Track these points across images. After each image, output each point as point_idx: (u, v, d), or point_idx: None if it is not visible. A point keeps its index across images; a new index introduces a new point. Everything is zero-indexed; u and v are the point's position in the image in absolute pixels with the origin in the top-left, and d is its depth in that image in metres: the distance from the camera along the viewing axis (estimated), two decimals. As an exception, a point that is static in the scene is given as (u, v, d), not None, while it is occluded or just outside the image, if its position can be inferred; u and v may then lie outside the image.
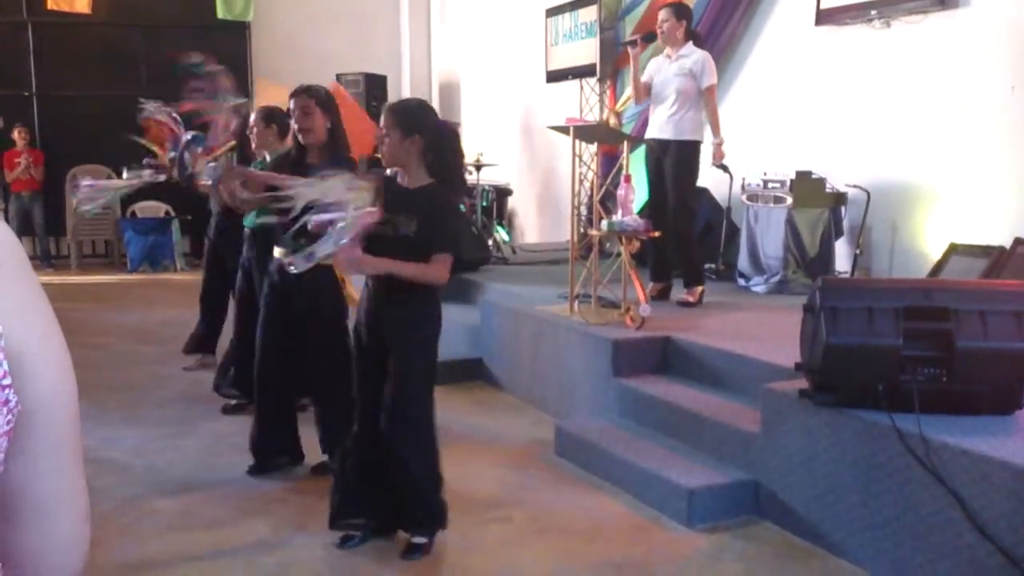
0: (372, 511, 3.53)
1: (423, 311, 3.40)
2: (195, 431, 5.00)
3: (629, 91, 8.21)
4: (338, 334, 4.08)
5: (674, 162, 5.70)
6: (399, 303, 3.35)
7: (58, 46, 11.94)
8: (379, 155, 3.47)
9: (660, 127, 5.78)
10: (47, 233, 11.68)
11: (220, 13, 11.81)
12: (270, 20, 12.36)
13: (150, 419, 5.20)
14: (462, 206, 3.47)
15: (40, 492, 0.87)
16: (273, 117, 5.06)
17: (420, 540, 3.48)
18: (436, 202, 3.31)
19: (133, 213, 11.81)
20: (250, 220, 5.00)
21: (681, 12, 5.76)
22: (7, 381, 0.80)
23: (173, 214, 11.76)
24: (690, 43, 5.68)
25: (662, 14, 5.77)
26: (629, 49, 5.85)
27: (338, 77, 11.65)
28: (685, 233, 5.75)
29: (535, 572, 3.38)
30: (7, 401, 0.80)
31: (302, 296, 4.09)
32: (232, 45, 12.34)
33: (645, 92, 5.89)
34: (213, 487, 4.19)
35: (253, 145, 5.12)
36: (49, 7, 11.11)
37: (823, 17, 6.52)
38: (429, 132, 3.33)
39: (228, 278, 6.07)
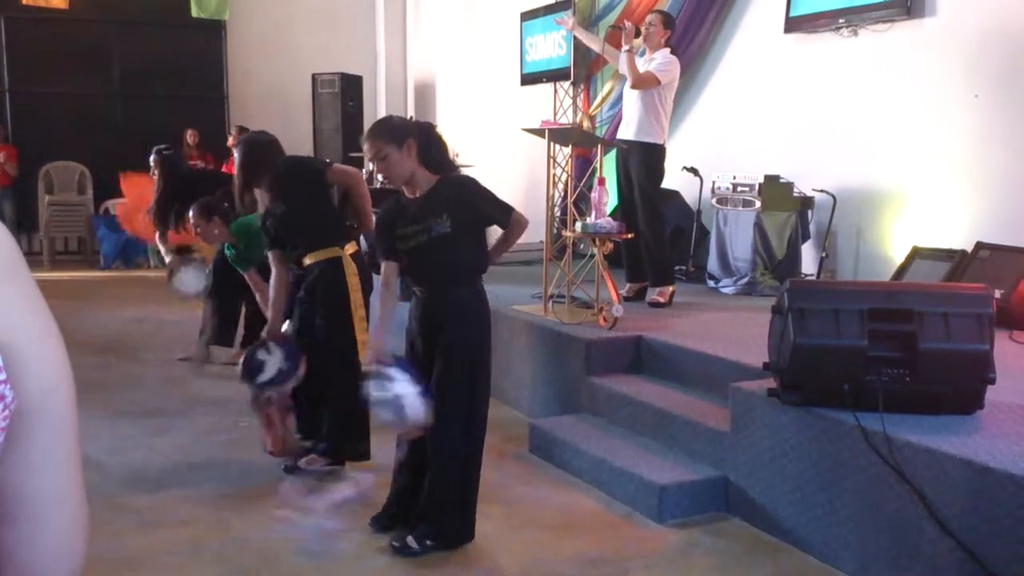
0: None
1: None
2: (170, 428, 5.02)
3: (603, 94, 8.34)
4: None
5: (638, 165, 5.80)
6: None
7: (32, 42, 11.85)
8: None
9: (624, 127, 5.90)
10: (18, 229, 11.59)
11: (194, 12, 11.76)
12: (246, 19, 12.34)
13: (125, 417, 5.21)
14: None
15: (31, 491, 0.85)
16: (213, 210, 5.30)
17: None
18: (457, 189, 3.42)
19: (106, 210, 11.74)
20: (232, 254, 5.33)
21: (668, 21, 5.90)
22: (2, 376, 0.78)
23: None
24: (667, 50, 5.77)
25: (651, 17, 5.87)
26: (623, 39, 5.76)
27: (314, 77, 11.66)
28: (653, 234, 5.84)
29: (510, 567, 3.44)
30: (3, 396, 0.78)
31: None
32: (207, 44, 12.35)
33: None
34: (188, 484, 4.21)
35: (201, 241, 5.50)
36: (24, 2, 11.02)
37: (792, 25, 6.64)
38: (415, 134, 3.45)
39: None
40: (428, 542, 3.47)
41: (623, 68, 5.80)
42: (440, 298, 3.49)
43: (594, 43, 6.52)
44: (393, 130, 3.44)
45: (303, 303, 4.34)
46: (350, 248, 4.32)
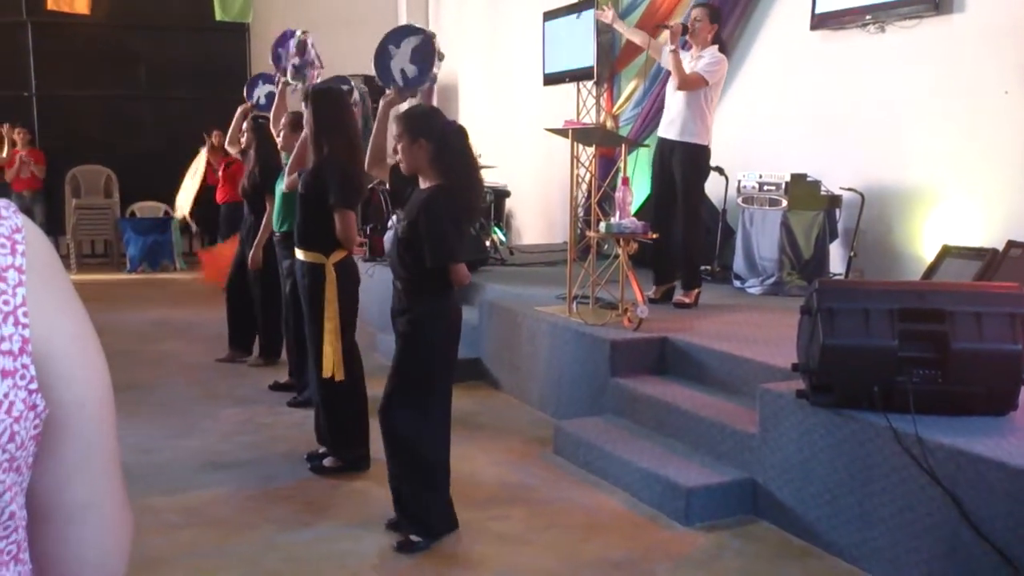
0: None
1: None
2: (197, 430, 5.03)
3: (627, 93, 8.30)
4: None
5: (681, 167, 5.68)
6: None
7: (57, 46, 11.99)
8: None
9: (667, 126, 5.76)
10: (47, 233, 11.70)
11: (218, 15, 11.84)
12: (268, 22, 12.37)
13: (152, 418, 5.23)
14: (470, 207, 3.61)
15: (67, 499, 0.85)
16: (300, 124, 5.11)
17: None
18: (422, 204, 3.39)
19: (132, 213, 11.83)
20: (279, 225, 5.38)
21: (715, 15, 5.73)
22: (34, 386, 0.78)
23: (172, 214, 11.79)
24: (715, 47, 5.64)
25: (697, 12, 5.71)
26: (670, 38, 5.54)
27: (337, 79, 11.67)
28: (692, 239, 5.75)
29: (534, 569, 3.42)
30: (35, 405, 0.78)
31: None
32: (231, 47, 12.43)
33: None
34: (215, 485, 4.22)
35: (280, 145, 5.47)
36: (49, 7, 11.13)
37: (819, 22, 6.57)
38: (435, 136, 3.42)
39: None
40: (412, 537, 3.53)
41: (668, 67, 5.63)
42: (397, 289, 3.57)
43: (636, 36, 6.21)
44: (412, 123, 3.45)
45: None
46: (337, 255, 4.28)
